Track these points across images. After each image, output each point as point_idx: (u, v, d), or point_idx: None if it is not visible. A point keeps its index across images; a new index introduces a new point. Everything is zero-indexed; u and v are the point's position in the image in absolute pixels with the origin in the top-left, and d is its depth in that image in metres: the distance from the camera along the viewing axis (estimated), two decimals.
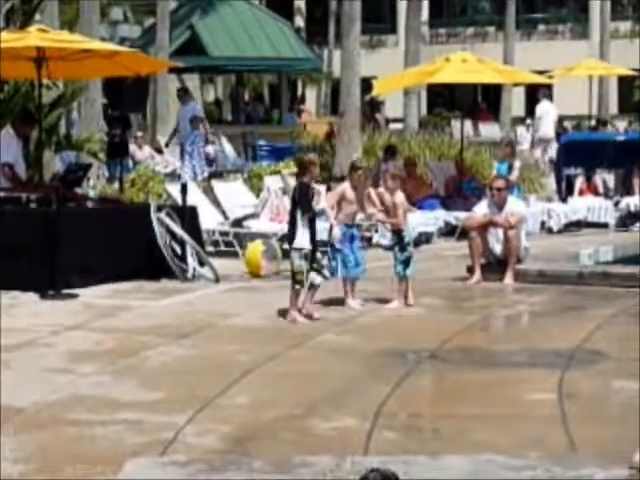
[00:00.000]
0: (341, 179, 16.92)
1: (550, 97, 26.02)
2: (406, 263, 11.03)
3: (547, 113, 25.33)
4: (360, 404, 7.38)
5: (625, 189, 18.91)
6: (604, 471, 5.57)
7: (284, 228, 14.17)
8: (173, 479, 5.69)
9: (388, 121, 33.52)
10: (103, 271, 12.04)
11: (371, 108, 30.21)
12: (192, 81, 31.67)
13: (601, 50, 33.70)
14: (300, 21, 44.40)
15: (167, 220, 12.58)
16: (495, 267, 12.49)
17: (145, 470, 5.84)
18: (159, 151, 23.97)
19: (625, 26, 41.56)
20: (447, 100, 39.90)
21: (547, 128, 25.21)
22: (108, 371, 8.27)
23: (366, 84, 21.26)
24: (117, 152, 18.57)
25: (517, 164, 16.65)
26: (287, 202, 14.78)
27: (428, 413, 7.42)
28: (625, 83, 36.79)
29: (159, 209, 12.77)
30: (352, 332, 9.77)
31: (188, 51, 26.39)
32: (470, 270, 12.52)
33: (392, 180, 11.18)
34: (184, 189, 13.30)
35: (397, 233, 11.13)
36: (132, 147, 22.46)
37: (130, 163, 21.62)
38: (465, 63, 17.93)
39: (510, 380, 8.13)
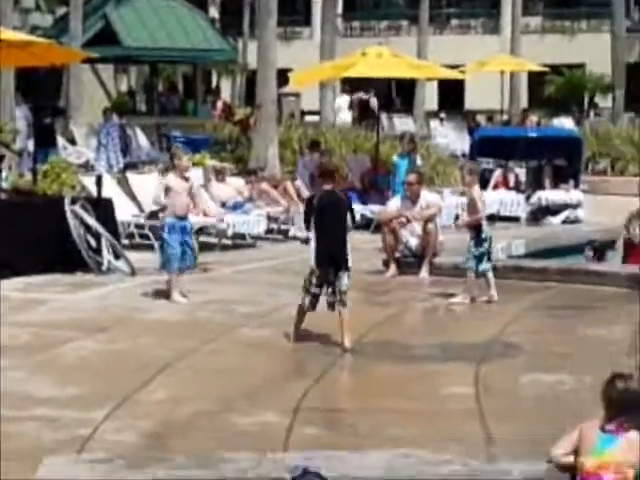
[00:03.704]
0: (254, 172, 16.84)
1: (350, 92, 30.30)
2: (480, 258, 10.97)
3: (343, 104, 29.59)
4: (279, 399, 7.38)
5: (536, 183, 19.15)
6: (522, 465, 5.66)
7: (200, 221, 14.09)
8: (92, 477, 5.64)
9: (303, 113, 33.51)
10: (17, 264, 11.84)
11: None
12: (106, 71, 31.32)
13: (512, 45, 34.01)
14: (215, 12, 44.13)
15: (81, 212, 12.41)
16: (411, 261, 12.58)
17: (63, 467, 5.78)
18: (72, 142, 23.64)
19: (536, 22, 42.10)
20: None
21: (345, 116, 28.76)
22: (23, 366, 8.15)
23: (282, 76, 21.23)
24: (45, 140, 18.27)
25: (419, 160, 16.78)
26: (205, 195, 14.63)
27: (347, 408, 7.46)
28: (535, 78, 37.26)
29: (73, 201, 12.60)
30: (268, 327, 9.74)
31: (101, 41, 26.02)
32: (386, 264, 12.59)
33: (469, 175, 11.16)
34: (99, 181, 13.14)
35: (475, 228, 11.05)
36: None
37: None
38: (380, 58, 17.98)
39: (427, 374, 8.20)
